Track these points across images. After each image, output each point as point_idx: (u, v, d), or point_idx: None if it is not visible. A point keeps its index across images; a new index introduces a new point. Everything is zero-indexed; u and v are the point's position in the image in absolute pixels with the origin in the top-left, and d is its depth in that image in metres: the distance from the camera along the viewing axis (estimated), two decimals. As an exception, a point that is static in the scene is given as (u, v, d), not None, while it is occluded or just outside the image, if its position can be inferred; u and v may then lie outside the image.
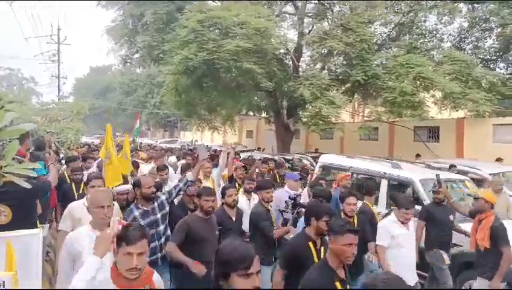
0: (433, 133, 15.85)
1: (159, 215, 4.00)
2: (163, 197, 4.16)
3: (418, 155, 13.54)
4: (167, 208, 4.14)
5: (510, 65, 16.90)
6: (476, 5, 16.11)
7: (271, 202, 4.80)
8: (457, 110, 14.02)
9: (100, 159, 6.66)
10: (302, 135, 21.26)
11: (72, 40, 63.73)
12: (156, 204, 4.02)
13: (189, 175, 4.77)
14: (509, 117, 13.73)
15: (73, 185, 5.49)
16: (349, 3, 15.48)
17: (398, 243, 4.35)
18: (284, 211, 4.54)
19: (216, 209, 4.36)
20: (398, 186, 6.74)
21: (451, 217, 5.38)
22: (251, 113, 22.07)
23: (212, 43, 12.27)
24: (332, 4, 16.35)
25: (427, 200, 5.80)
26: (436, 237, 5.26)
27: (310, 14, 17.09)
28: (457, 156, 13.58)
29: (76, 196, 5.13)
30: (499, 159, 11.36)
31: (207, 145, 17.93)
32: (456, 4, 15.35)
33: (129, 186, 4.53)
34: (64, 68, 79.76)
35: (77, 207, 3.82)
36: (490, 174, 9.16)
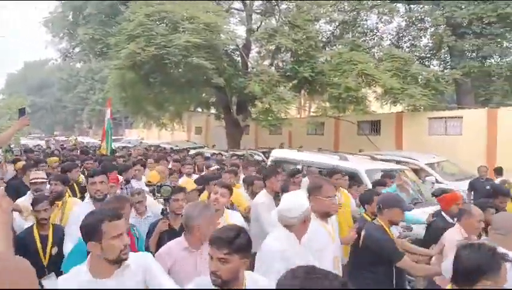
0: (375, 126, 16.69)
1: None
2: None
3: (360, 150, 14.22)
4: None
5: (442, 62, 18.27)
6: (412, 6, 17.21)
7: None
8: (396, 105, 14.93)
9: None
10: (252, 130, 21.46)
11: (5, 32, 59.07)
12: None
13: None
14: (443, 111, 14.87)
15: None
16: (295, 2, 15.85)
17: None
18: None
19: None
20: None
21: None
22: (199, 110, 21.88)
23: (160, 38, 12.02)
24: (280, 1, 16.66)
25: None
26: None
27: (257, 11, 17.27)
28: (397, 148, 14.44)
29: None
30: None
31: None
32: (394, 4, 16.29)
33: None
34: (-5, 62, 73.63)
35: None
36: (426, 164, 9.98)
